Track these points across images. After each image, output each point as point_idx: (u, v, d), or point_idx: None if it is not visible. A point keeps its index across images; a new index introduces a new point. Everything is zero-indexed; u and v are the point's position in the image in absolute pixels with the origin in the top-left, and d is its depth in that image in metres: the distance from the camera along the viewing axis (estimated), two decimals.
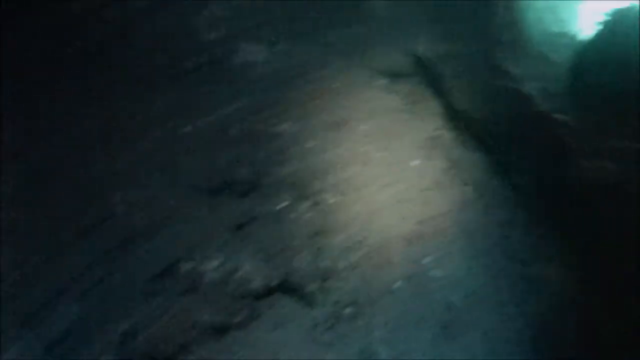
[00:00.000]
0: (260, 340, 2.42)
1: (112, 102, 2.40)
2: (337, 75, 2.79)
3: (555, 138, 5.05)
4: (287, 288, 2.48)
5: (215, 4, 2.85)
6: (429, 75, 3.13)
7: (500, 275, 2.90)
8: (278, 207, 2.57)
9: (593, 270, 3.04)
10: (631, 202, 4.16)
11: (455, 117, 3.10)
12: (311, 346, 2.48)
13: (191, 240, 2.41)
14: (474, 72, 3.93)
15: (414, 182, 2.79)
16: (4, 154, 2.14)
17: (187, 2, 2.77)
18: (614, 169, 4.97)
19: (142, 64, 2.60)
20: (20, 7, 2.27)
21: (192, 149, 2.56)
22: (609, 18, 5.33)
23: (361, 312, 2.57)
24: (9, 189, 2.15)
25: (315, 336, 2.50)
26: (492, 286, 2.87)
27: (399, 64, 2.96)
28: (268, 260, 2.49)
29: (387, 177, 2.74)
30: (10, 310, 2.09)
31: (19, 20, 2.27)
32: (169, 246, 2.39)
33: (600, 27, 5.44)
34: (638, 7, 5.09)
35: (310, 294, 2.50)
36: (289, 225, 2.55)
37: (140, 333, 2.28)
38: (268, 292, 2.44)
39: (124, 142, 2.42)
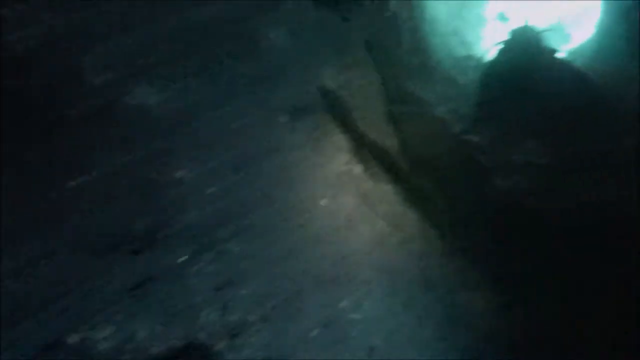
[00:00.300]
0: None
1: None
2: (237, 114, 2.64)
3: (470, 160, 5.12)
4: (193, 349, 2.27)
5: (102, 44, 2.66)
6: (334, 108, 3.03)
7: (423, 310, 2.80)
8: (178, 261, 2.37)
9: (518, 296, 3.00)
10: (540, 218, 4.22)
11: (363, 150, 3.01)
12: None
13: (80, 307, 2.17)
14: (382, 100, 3.89)
15: (324, 222, 2.65)
16: None
17: (70, 44, 2.57)
18: (525, 186, 5.08)
19: (20, 112, 2.37)
20: None
21: (79, 205, 2.33)
22: (510, 38, 5.54)
23: None
24: None
25: None
26: (415, 322, 2.75)
27: (302, 98, 2.86)
28: (169, 321, 2.26)
29: (295, 219, 2.59)
30: None
31: None
32: (54, 316, 2.13)
33: (502, 47, 5.64)
34: (534, 28, 5.33)
35: (219, 353, 2.29)
36: (191, 280, 2.35)
37: None
38: (171, 356, 2.22)
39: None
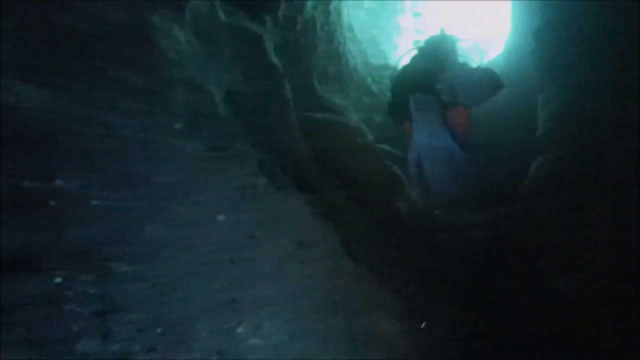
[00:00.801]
0: None
1: None
2: (127, 120, 2.38)
3: (383, 168, 5.07)
4: None
5: None
6: (238, 115, 2.83)
7: (328, 333, 2.65)
8: (54, 282, 2.09)
9: (423, 315, 2.92)
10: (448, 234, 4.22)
11: (269, 160, 2.83)
12: None
13: None
14: (293, 107, 3.73)
15: (223, 239, 2.45)
16: None
17: None
18: (438, 200, 5.09)
19: None
20: None
21: None
22: (424, 46, 5.58)
23: None
24: None
25: None
26: (320, 347, 2.61)
27: (201, 104, 2.63)
28: (41, 349, 1.99)
29: (191, 237, 2.37)
30: None
31: None
32: None
33: (415, 55, 5.66)
34: (450, 37, 5.42)
35: None
36: (67, 305, 2.07)
37: None
38: None
39: None
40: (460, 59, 5.23)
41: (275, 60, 3.33)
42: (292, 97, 3.61)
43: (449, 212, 5.01)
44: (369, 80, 6.34)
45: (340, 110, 5.17)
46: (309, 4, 4.93)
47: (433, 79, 4.81)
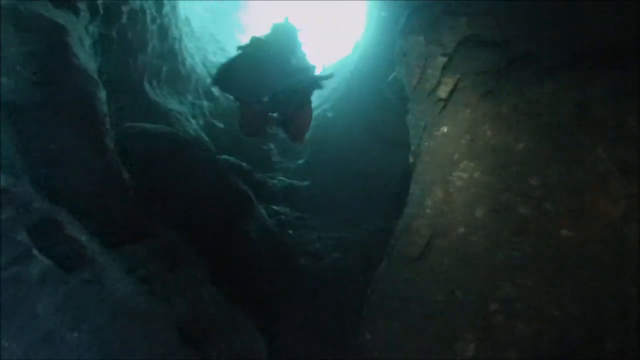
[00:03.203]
0: None
1: None
2: None
3: (228, 186, 4.42)
4: None
5: None
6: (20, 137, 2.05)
7: None
8: None
9: None
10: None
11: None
12: None
13: None
14: (118, 117, 2.97)
15: None
16: None
17: None
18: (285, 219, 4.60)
19: None
20: None
21: None
22: (269, 33, 4.99)
23: None
24: None
25: None
26: None
27: None
28: None
29: None
30: None
31: None
32: None
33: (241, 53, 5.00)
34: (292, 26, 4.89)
35: None
36: None
37: None
38: None
39: None
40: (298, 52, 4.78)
41: (82, 60, 2.51)
42: (116, 106, 2.85)
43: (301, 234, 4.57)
44: (209, 81, 5.65)
45: (176, 118, 4.45)
46: None
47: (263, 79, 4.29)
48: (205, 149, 4.51)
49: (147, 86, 4.40)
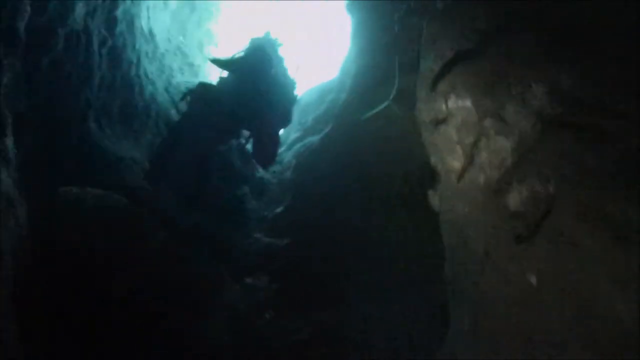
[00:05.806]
0: None
1: None
2: None
3: (193, 279, 3.49)
4: None
5: None
6: None
7: None
8: None
9: None
10: None
11: None
12: None
13: None
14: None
15: None
16: None
17: None
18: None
19: None
20: None
21: None
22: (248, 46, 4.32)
23: None
24: None
25: None
26: None
27: None
28: None
29: None
30: None
31: None
32: None
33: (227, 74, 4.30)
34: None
35: None
36: None
37: None
38: None
39: None
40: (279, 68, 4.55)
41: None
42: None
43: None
44: (173, 112, 4.71)
45: (130, 168, 3.52)
46: (79, 6, 3.18)
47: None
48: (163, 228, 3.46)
49: (93, 127, 3.45)
